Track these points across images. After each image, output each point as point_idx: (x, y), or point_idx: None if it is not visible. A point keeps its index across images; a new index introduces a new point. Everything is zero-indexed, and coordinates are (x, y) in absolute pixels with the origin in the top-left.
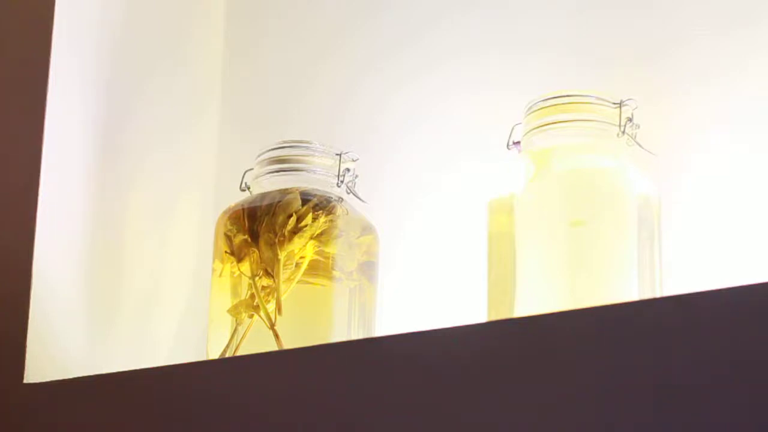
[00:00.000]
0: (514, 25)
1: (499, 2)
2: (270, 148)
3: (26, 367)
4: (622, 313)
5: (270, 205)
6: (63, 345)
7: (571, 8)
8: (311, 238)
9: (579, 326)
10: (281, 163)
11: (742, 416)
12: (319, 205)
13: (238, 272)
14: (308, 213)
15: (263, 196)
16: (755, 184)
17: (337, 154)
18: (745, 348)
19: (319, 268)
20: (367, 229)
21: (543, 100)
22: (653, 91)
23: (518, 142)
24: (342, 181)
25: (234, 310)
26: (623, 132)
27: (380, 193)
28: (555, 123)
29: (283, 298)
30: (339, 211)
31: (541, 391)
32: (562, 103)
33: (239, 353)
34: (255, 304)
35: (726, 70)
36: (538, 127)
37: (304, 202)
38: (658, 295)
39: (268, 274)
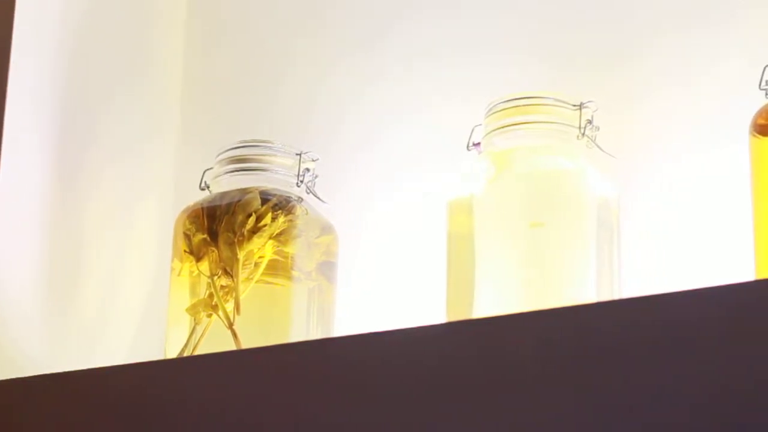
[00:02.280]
0: (476, 27)
1: (461, 4)
2: (230, 147)
3: None
4: (580, 314)
5: (229, 205)
6: (21, 345)
7: (534, 10)
8: (270, 237)
9: (537, 327)
10: (241, 162)
11: (703, 416)
12: (278, 204)
13: (197, 271)
14: (268, 213)
15: (223, 195)
16: (714, 187)
17: (297, 154)
18: (704, 349)
19: (278, 268)
20: (326, 229)
21: (503, 102)
22: (614, 93)
23: (479, 143)
24: (302, 181)
25: (192, 310)
26: (583, 134)
27: (341, 194)
28: (515, 125)
29: (241, 297)
30: (298, 211)
31: (500, 392)
32: (523, 105)
33: (197, 352)
34: (213, 303)
35: (686, 73)
36: (498, 129)
37: (264, 201)
38: (616, 297)
39: (227, 273)
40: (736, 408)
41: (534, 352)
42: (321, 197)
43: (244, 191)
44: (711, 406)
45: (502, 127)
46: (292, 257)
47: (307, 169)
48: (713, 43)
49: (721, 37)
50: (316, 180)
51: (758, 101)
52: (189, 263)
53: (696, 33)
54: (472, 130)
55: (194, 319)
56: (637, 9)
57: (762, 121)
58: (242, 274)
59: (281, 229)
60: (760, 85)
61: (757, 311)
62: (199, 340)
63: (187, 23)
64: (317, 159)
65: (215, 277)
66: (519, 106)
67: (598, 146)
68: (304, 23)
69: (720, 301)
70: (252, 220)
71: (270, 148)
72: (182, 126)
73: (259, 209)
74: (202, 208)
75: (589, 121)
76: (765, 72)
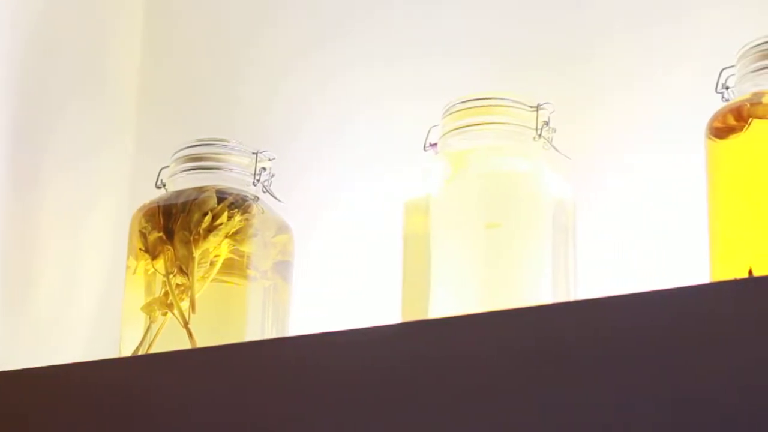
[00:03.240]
0: (433, 27)
1: (418, 5)
2: (186, 145)
3: None
4: (535, 315)
5: (185, 203)
6: None
7: (493, 11)
8: (226, 236)
9: (492, 328)
10: (197, 161)
11: (653, 416)
12: (234, 203)
13: (152, 270)
14: (224, 211)
15: (179, 193)
16: (670, 190)
17: (253, 153)
18: (657, 351)
19: (234, 267)
20: (282, 228)
21: (460, 103)
22: (570, 94)
23: (435, 144)
24: (258, 180)
25: (147, 308)
26: (539, 135)
27: (298, 193)
28: (471, 125)
29: (197, 296)
30: (254, 210)
31: (455, 392)
32: (479, 106)
33: (152, 351)
34: (169, 301)
35: (642, 74)
36: (454, 129)
37: (220, 200)
38: (571, 298)
39: (183, 272)
40: (688, 409)
41: (489, 352)
42: (277, 196)
43: (201, 190)
44: (665, 406)
45: (459, 128)
46: (247, 256)
47: (264, 168)
48: (670, 45)
49: (678, 39)
50: (273, 179)
51: (715, 104)
52: (144, 261)
53: (653, 35)
54: (429, 131)
55: (149, 318)
56: (594, 10)
57: (718, 125)
58: (198, 272)
59: (237, 228)
60: (716, 88)
61: (712, 314)
62: (153, 338)
63: (145, 22)
64: (274, 158)
65: (171, 276)
66: (476, 107)
67: (554, 147)
68: (261, 23)
69: (674, 304)
70: (208, 218)
71: (226, 146)
72: (139, 125)
73: (215, 208)
74: (158, 207)
75: (546, 123)
76: (721, 75)
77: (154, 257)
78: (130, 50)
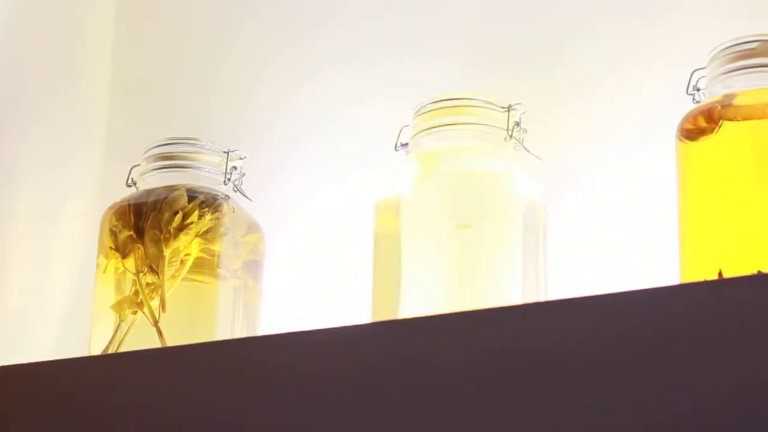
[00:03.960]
0: (407, 28)
1: (390, 5)
2: (157, 144)
3: None
4: (505, 316)
5: (156, 202)
6: None
7: (466, 11)
8: (197, 235)
9: (462, 328)
10: (168, 159)
11: (623, 416)
12: (205, 202)
13: (122, 268)
14: (194, 210)
15: (149, 192)
16: (641, 191)
17: (224, 152)
18: (628, 352)
19: (204, 266)
20: (253, 227)
21: (431, 103)
22: (542, 95)
23: (406, 144)
24: (229, 179)
25: (117, 307)
26: (511, 136)
27: (270, 193)
28: (443, 125)
29: (167, 295)
30: (225, 209)
31: (425, 392)
32: (451, 106)
33: (122, 350)
34: (139, 300)
35: (614, 76)
36: (426, 130)
37: (191, 199)
38: (542, 298)
39: (153, 270)
40: (658, 410)
41: (459, 352)
42: (248, 195)
43: (171, 188)
44: (635, 406)
45: (430, 128)
46: (218, 255)
47: (235, 167)
48: (641, 47)
49: (648, 41)
50: (244, 178)
51: (686, 106)
52: (115, 260)
53: (624, 36)
54: (400, 131)
55: (119, 316)
56: (567, 11)
57: (689, 126)
58: (168, 271)
59: (208, 227)
60: (687, 89)
61: (682, 315)
62: (123, 337)
63: (116, 22)
64: (245, 157)
65: (141, 275)
66: (447, 107)
67: (525, 148)
68: (234, 22)
69: (645, 305)
70: (178, 217)
71: (197, 145)
72: (111, 123)
73: (185, 207)
74: (129, 205)
75: (517, 123)
76: (692, 77)
77: (124, 256)
78: (102, 49)
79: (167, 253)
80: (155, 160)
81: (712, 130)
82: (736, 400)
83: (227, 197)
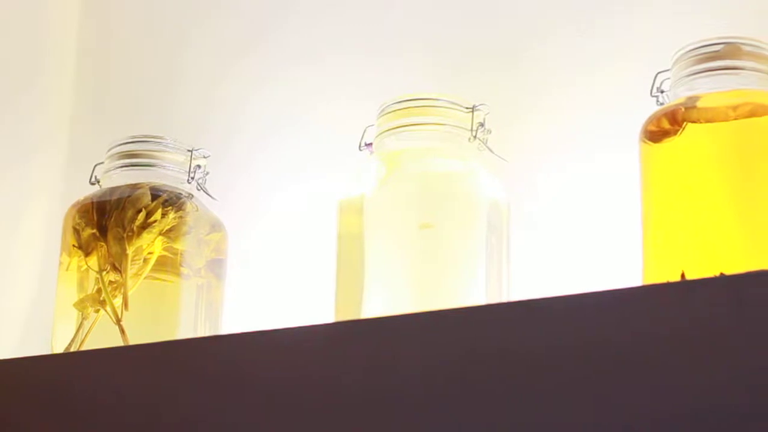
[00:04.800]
0: (371, 28)
1: (358, 5)
2: (120, 142)
3: None
4: (468, 316)
5: (119, 200)
6: None
7: (430, 11)
8: (160, 233)
9: (425, 329)
10: (132, 157)
11: (584, 417)
12: (168, 201)
13: (85, 266)
14: (158, 208)
15: (113, 190)
16: (605, 192)
17: (188, 150)
18: (591, 353)
19: (167, 264)
20: (216, 226)
21: (396, 103)
22: (506, 96)
23: (370, 144)
24: (193, 178)
25: (80, 305)
26: (475, 137)
27: (235, 192)
28: (406, 126)
29: (130, 293)
30: (189, 207)
31: (386, 392)
32: (415, 107)
33: (84, 348)
34: (101, 298)
35: (578, 77)
36: (389, 130)
37: (154, 197)
38: (505, 299)
39: (116, 268)
40: (618, 411)
41: (422, 353)
42: (211, 194)
43: (135, 187)
44: (598, 407)
45: (394, 128)
46: (181, 254)
47: (198, 166)
48: (606, 48)
49: (613, 42)
50: (207, 177)
51: (649, 107)
52: (77, 258)
53: (588, 37)
54: (364, 131)
55: (82, 314)
56: (532, 12)
57: (652, 128)
58: (131, 269)
59: (171, 225)
60: (651, 91)
61: (644, 316)
62: (86, 335)
63: (81, 21)
64: (208, 156)
65: (104, 273)
66: (411, 107)
67: (489, 149)
68: (198, 22)
69: (608, 306)
70: (142, 215)
71: (161, 143)
72: (74, 122)
73: (149, 205)
74: (92, 203)
75: (481, 124)
76: (656, 79)
77: (87, 254)
78: (66, 47)
79: (130, 251)
80: (119, 158)
81: (675, 132)
82: (700, 401)
83: (191, 196)
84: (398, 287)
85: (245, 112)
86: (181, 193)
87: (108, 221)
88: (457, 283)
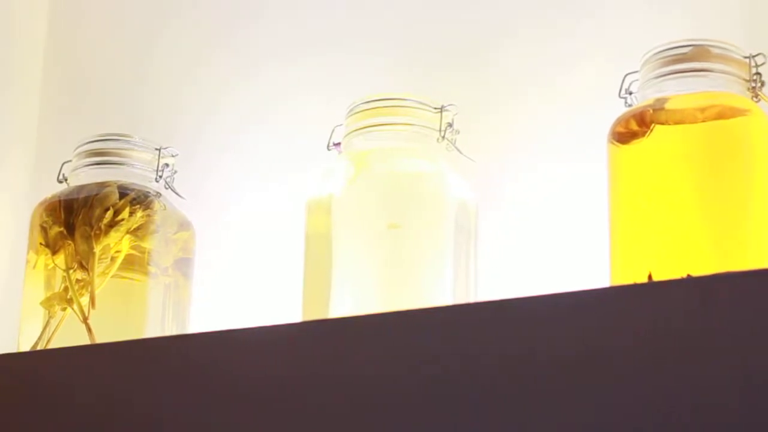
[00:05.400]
0: (340, 27)
1: (325, 3)
2: (88, 140)
3: None
4: (436, 316)
5: (87, 198)
6: None
7: (399, 10)
8: (127, 232)
9: (393, 328)
10: (99, 155)
11: (552, 417)
12: (136, 199)
13: (52, 264)
14: (125, 207)
15: (80, 188)
16: (573, 193)
17: (156, 149)
18: (557, 354)
19: (135, 263)
20: (184, 225)
21: (364, 103)
22: (475, 96)
23: (339, 143)
24: (161, 176)
25: (47, 303)
26: (443, 137)
27: (204, 191)
28: (375, 126)
29: (97, 291)
30: (156, 206)
31: (354, 391)
32: (383, 106)
33: (51, 346)
34: (68, 297)
35: (547, 78)
36: (358, 129)
37: (122, 195)
38: (472, 299)
39: (83, 267)
40: (585, 411)
41: (389, 352)
42: (179, 193)
43: (102, 185)
44: (563, 407)
45: (362, 128)
46: (148, 252)
47: (167, 165)
48: (575, 49)
49: (582, 43)
50: (176, 176)
51: (618, 108)
52: (45, 256)
53: (557, 37)
54: (333, 130)
55: (49, 313)
56: (500, 12)
57: (621, 129)
58: (98, 268)
59: (138, 224)
60: (620, 93)
61: (611, 317)
62: (53, 333)
63: (49, 18)
64: (177, 154)
65: (71, 271)
66: (379, 107)
67: (457, 149)
68: (167, 21)
69: (574, 307)
70: (109, 214)
71: (129, 142)
72: (42, 120)
73: (116, 203)
74: (60, 201)
75: (450, 125)
76: (625, 80)
77: (54, 252)
78: (34, 45)
79: (97, 249)
80: (86, 157)
81: (643, 134)
82: (665, 402)
83: (158, 194)
84: (366, 287)
85: (214, 111)
86: (148, 192)
87: (75, 219)
88: (425, 284)
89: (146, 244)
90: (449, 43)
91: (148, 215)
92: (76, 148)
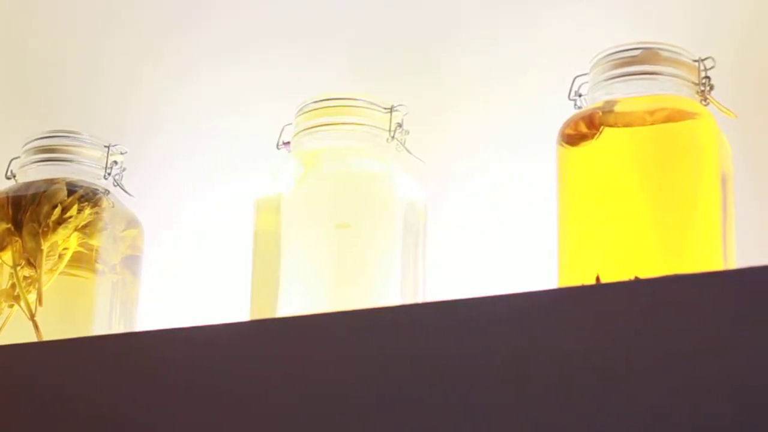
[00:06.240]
0: (292, 26)
1: (278, 2)
2: (37, 137)
3: None
4: (384, 316)
5: (35, 195)
6: None
7: (351, 8)
8: (75, 229)
9: (341, 328)
10: (48, 152)
11: (494, 420)
12: (85, 196)
13: None
14: (74, 204)
15: (29, 185)
16: (522, 194)
17: (105, 146)
18: (505, 354)
19: (83, 260)
20: (132, 222)
21: (314, 102)
22: (426, 96)
23: (288, 143)
24: (109, 174)
25: None
26: (393, 137)
27: (155, 189)
28: (324, 125)
29: (44, 289)
30: (105, 203)
31: (301, 391)
32: (333, 106)
33: None
34: (15, 294)
35: (497, 78)
36: (307, 129)
37: (70, 192)
38: (420, 300)
39: (31, 264)
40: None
41: (337, 352)
42: (128, 190)
43: (51, 182)
44: (510, 408)
45: (312, 128)
46: (96, 250)
47: (115, 162)
48: (525, 51)
49: (532, 45)
50: (127, 174)
51: (568, 110)
52: None
53: (507, 38)
54: (282, 130)
55: None
56: (450, 10)
57: (570, 131)
58: (46, 265)
59: (87, 221)
60: (569, 95)
61: (558, 319)
62: None
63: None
64: (125, 152)
65: (18, 268)
66: (329, 107)
67: (407, 150)
68: (119, 18)
69: (522, 308)
70: (57, 211)
71: (78, 139)
72: None
73: (65, 200)
74: (7, 197)
75: (399, 125)
76: (574, 83)
77: (1, 248)
78: None
79: (45, 246)
80: (35, 153)
81: (592, 136)
82: (611, 405)
83: (107, 192)
84: (314, 286)
85: (165, 110)
86: (97, 189)
87: (23, 216)
88: (373, 283)
89: (94, 242)
90: (400, 43)
91: (97, 212)
92: (25, 144)
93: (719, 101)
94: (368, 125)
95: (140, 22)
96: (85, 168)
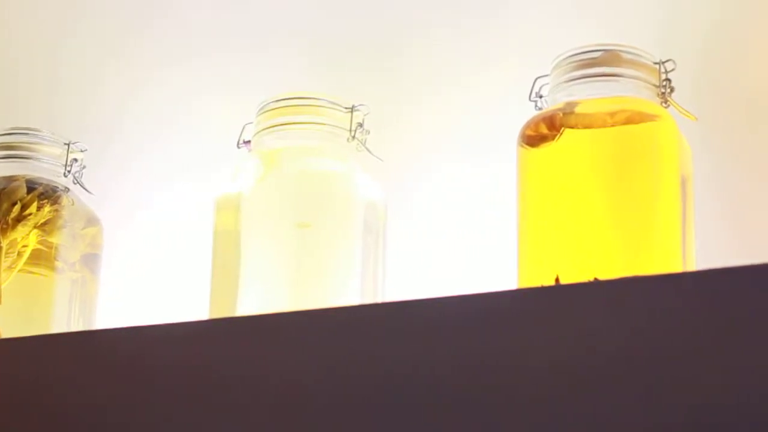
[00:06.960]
0: (253, 24)
1: (240, 1)
2: None
3: None
4: (343, 316)
5: None
6: None
7: (312, 7)
8: (35, 227)
9: (300, 327)
10: (7, 149)
11: (452, 421)
12: (44, 194)
13: None
14: (33, 201)
15: None
16: (482, 195)
17: (65, 144)
18: (464, 355)
19: (42, 258)
20: (92, 220)
21: (274, 101)
22: (386, 96)
23: (249, 141)
24: (69, 171)
25: None
26: (353, 137)
27: (115, 187)
28: (284, 124)
29: (3, 286)
30: (64, 201)
31: (260, 391)
32: (294, 105)
33: None
34: None
35: (458, 78)
36: (268, 128)
37: (30, 190)
38: (379, 300)
39: None
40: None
41: (296, 352)
42: (88, 188)
43: (10, 179)
44: (468, 410)
45: (272, 127)
46: (56, 247)
47: (75, 160)
48: (486, 51)
49: (494, 45)
50: (85, 171)
51: (528, 111)
52: None
53: (468, 37)
54: (243, 128)
55: None
56: (410, 10)
57: (530, 132)
58: (5, 263)
59: (46, 218)
60: (530, 96)
61: (518, 319)
62: None
63: None
64: (85, 150)
65: None
66: (290, 106)
67: (367, 149)
68: (79, 16)
69: (482, 308)
70: (17, 208)
71: (37, 136)
72: None
73: (24, 198)
74: None
75: (360, 124)
76: (535, 84)
77: None
78: None
79: (4, 244)
80: None
81: (553, 137)
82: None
83: (67, 189)
84: (273, 286)
85: (126, 109)
86: (57, 187)
87: None
88: (332, 283)
89: (53, 239)
90: (360, 42)
91: (56, 210)
92: None
93: (680, 103)
94: (329, 125)
95: (102, 19)
96: (45, 165)
